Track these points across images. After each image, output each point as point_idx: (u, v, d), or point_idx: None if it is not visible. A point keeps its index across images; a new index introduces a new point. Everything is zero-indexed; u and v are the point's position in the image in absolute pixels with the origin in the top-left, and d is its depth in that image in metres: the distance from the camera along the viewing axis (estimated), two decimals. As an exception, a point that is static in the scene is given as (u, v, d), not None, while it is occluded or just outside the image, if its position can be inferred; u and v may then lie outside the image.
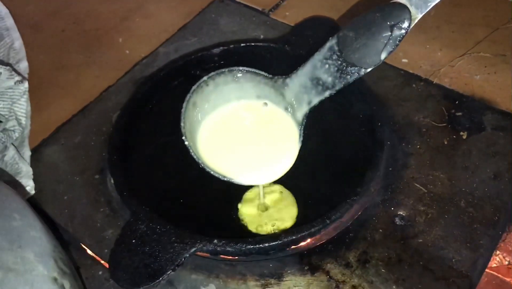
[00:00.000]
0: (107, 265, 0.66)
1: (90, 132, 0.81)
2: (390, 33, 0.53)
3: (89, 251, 0.68)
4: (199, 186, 0.72)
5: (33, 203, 0.73)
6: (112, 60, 0.95)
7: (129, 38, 0.99)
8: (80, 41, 1.00)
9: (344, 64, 0.56)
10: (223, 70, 0.62)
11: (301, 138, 0.62)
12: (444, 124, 0.76)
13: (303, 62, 0.60)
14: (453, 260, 0.63)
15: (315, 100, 0.60)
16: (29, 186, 0.72)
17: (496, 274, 0.72)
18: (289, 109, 0.63)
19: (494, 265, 0.75)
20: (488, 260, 0.67)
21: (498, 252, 0.75)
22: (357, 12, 0.98)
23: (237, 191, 0.71)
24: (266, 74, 0.62)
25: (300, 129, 0.62)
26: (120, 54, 0.96)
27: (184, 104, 0.61)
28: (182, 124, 0.61)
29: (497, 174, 0.70)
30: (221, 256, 0.65)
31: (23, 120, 0.80)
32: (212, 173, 0.61)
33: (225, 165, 0.63)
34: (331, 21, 0.90)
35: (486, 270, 0.74)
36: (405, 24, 0.53)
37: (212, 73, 0.62)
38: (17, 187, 0.72)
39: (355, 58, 0.55)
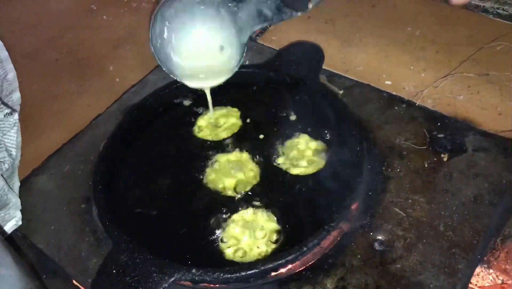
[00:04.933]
0: (90, 295, 0.67)
1: (78, 161, 0.83)
2: None
3: (74, 281, 0.70)
4: (183, 214, 0.74)
5: (22, 233, 0.75)
6: (103, 88, 0.97)
7: (119, 66, 1.01)
8: (73, 70, 1.03)
9: (281, 4, 0.76)
10: None
11: (244, 55, 0.81)
12: (425, 147, 0.77)
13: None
14: (431, 285, 0.63)
15: (256, 27, 0.80)
16: (17, 217, 0.74)
17: (489, 294, 0.72)
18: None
19: (487, 284, 0.74)
20: (467, 284, 0.66)
21: (491, 271, 0.74)
22: (342, 35, 0.99)
23: (221, 220, 0.72)
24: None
25: (244, 49, 0.81)
26: (111, 83, 0.98)
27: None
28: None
29: (477, 196, 0.70)
30: (202, 284, 0.65)
31: (13, 152, 0.82)
32: (171, 75, 0.81)
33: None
34: (314, 45, 0.92)
35: (479, 289, 0.74)
36: None
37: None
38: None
39: (290, 2, 0.76)
